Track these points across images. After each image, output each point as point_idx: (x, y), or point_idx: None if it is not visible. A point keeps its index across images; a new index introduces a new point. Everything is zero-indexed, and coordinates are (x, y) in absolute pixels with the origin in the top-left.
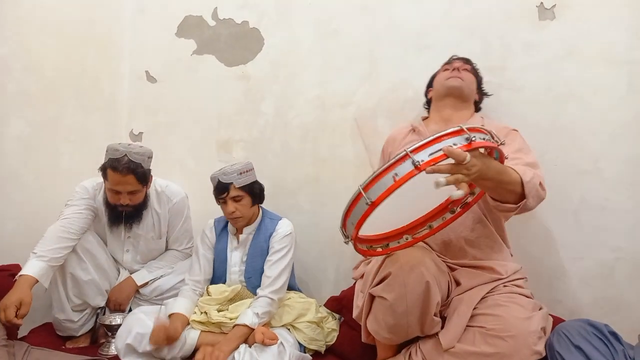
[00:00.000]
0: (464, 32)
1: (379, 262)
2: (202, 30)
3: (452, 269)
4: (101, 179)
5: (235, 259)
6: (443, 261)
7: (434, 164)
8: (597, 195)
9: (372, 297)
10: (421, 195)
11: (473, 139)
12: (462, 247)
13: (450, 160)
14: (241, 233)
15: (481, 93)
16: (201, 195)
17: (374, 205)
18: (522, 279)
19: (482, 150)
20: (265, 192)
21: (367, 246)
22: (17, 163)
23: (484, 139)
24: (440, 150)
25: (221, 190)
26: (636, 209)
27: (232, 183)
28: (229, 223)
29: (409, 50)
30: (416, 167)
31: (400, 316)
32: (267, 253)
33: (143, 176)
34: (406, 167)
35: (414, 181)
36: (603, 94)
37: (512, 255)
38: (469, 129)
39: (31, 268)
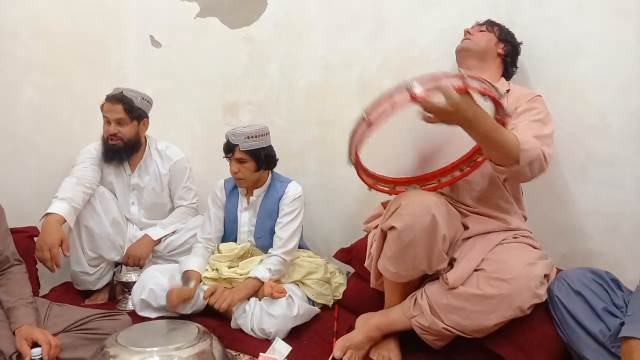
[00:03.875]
0: None
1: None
2: None
3: (463, 215)
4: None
5: (245, 219)
6: (455, 206)
7: (426, 97)
8: (604, 150)
9: (384, 236)
10: (435, 154)
11: (469, 83)
12: (474, 205)
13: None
14: (251, 195)
15: (509, 45)
16: (209, 159)
17: (371, 126)
18: (530, 232)
19: (487, 106)
20: (275, 158)
21: (373, 181)
22: (30, 129)
23: (483, 88)
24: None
25: (227, 149)
26: None
27: (237, 145)
28: None
29: (415, 8)
30: (412, 96)
31: (407, 246)
32: (277, 215)
33: (131, 108)
34: (404, 96)
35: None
36: (612, 47)
37: (525, 219)
38: (469, 76)
39: (57, 208)
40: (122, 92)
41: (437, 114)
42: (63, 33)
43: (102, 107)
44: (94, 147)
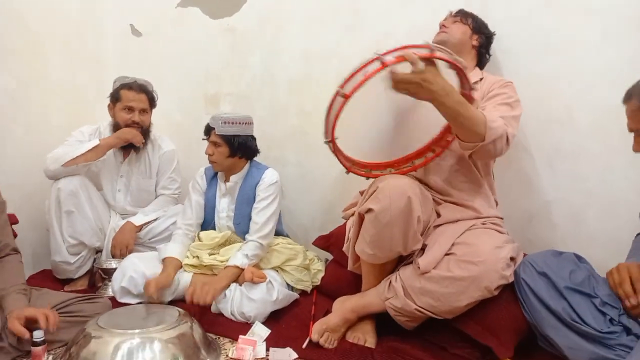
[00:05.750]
0: None
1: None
2: None
3: (436, 203)
4: (97, 125)
5: (223, 205)
6: (429, 192)
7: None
8: (570, 143)
9: (361, 220)
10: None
11: (436, 52)
12: (447, 189)
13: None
14: (228, 180)
15: (483, 36)
16: (189, 149)
17: (346, 97)
18: (500, 218)
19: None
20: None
21: (350, 164)
22: (7, 117)
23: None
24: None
25: (205, 131)
26: (607, 155)
27: (214, 128)
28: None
29: (391, 3)
30: (382, 64)
31: (384, 227)
32: (254, 201)
33: (152, 98)
34: (374, 65)
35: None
36: (578, 44)
37: (497, 204)
38: (435, 47)
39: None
40: (137, 81)
41: (404, 85)
42: (40, 19)
43: (117, 94)
44: (88, 132)
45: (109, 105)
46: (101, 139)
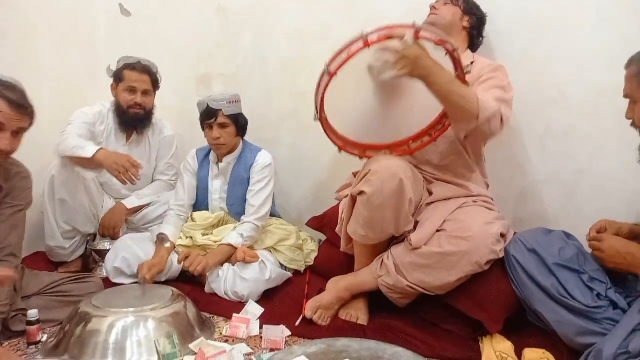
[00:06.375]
0: None
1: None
2: None
3: (428, 182)
4: (98, 108)
5: (216, 186)
6: (420, 173)
7: (379, 42)
8: (562, 122)
9: (354, 201)
10: (404, 121)
11: (422, 32)
12: (438, 174)
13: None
14: (221, 162)
15: (474, 18)
16: (180, 130)
17: (331, 74)
18: (490, 198)
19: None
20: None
21: (342, 143)
22: None
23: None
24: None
25: (209, 115)
26: (599, 135)
27: (221, 110)
28: (210, 152)
29: None
30: (365, 42)
31: (376, 209)
32: (248, 182)
33: (155, 80)
34: (358, 44)
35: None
36: (572, 25)
37: (488, 187)
38: (421, 26)
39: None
40: (140, 62)
41: (398, 60)
42: (30, 0)
43: (120, 74)
44: (92, 114)
45: (112, 85)
46: (101, 152)
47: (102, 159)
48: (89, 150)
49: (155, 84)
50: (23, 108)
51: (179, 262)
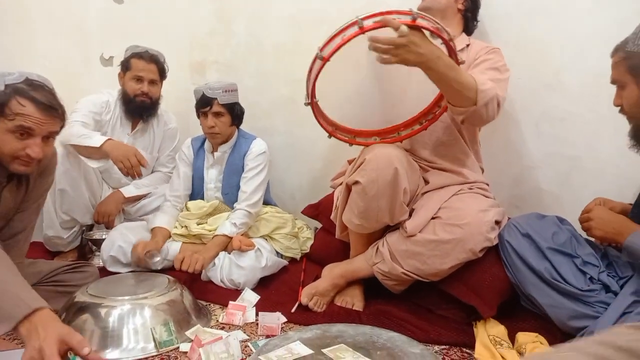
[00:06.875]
0: None
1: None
2: None
3: (424, 170)
4: (105, 97)
5: (212, 175)
6: (416, 161)
7: (373, 29)
8: (558, 108)
9: (348, 190)
10: (395, 107)
11: (418, 20)
12: (434, 159)
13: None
14: (216, 151)
15: (469, 1)
16: (178, 118)
17: (324, 60)
18: (486, 184)
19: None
20: (243, 114)
21: (333, 128)
22: None
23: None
24: (384, 20)
25: (204, 103)
26: (595, 120)
27: (216, 98)
28: (205, 142)
29: None
30: (360, 28)
31: (371, 199)
32: (243, 171)
33: (162, 70)
34: (353, 29)
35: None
36: (569, 9)
37: (483, 172)
38: (418, 13)
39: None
40: (147, 50)
41: (392, 50)
42: None
43: (127, 63)
44: (99, 102)
45: (119, 74)
46: (108, 143)
47: (110, 150)
48: (96, 140)
49: (162, 73)
50: (53, 110)
51: (177, 269)
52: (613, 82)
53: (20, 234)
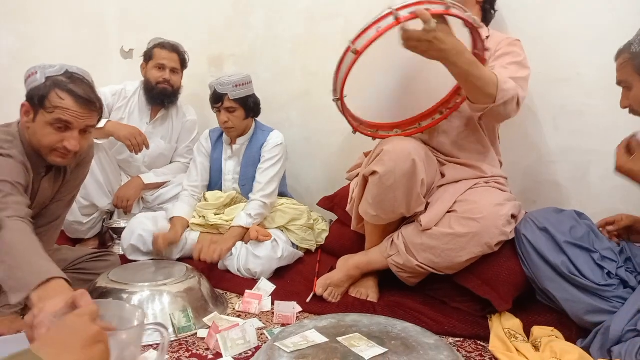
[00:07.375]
0: None
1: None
2: None
3: (441, 164)
4: (120, 86)
5: (229, 167)
6: (434, 155)
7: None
8: (575, 101)
9: (365, 182)
10: (415, 98)
11: (450, 10)
12: (453, 151)
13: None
14: (234, 143)
15: None
16: (196, 111)
17: (358, 53)
18: (504, 178)
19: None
20: (259, 106)
21: (357, 124)
22: (11, 78)
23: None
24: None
25: (216, 99)
26: (612, 113)
27: (227, 94)
28: (223, 133)
29: None
30: (397, 19)
31: (387, 189)
32: (260, 162)
33: (183, 59)
34: (388, 20)
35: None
36: (586, 1)
37: (501, 165)
38: (451, 3)
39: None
40: (169, 41)
41: (415, 43)
42: None
43: (150, 52)
44: (111, 93)
45: (142, 65)
46: (110, 123)
47: (114, 130)
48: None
49: (183, 63)
50: (91, 104)
51: (195, 259)
52: (619, 83)
53: (52, 223)
